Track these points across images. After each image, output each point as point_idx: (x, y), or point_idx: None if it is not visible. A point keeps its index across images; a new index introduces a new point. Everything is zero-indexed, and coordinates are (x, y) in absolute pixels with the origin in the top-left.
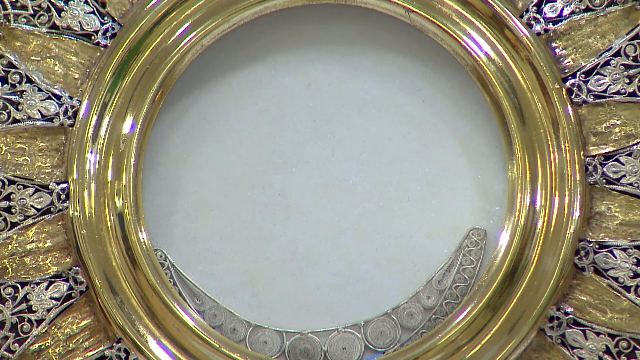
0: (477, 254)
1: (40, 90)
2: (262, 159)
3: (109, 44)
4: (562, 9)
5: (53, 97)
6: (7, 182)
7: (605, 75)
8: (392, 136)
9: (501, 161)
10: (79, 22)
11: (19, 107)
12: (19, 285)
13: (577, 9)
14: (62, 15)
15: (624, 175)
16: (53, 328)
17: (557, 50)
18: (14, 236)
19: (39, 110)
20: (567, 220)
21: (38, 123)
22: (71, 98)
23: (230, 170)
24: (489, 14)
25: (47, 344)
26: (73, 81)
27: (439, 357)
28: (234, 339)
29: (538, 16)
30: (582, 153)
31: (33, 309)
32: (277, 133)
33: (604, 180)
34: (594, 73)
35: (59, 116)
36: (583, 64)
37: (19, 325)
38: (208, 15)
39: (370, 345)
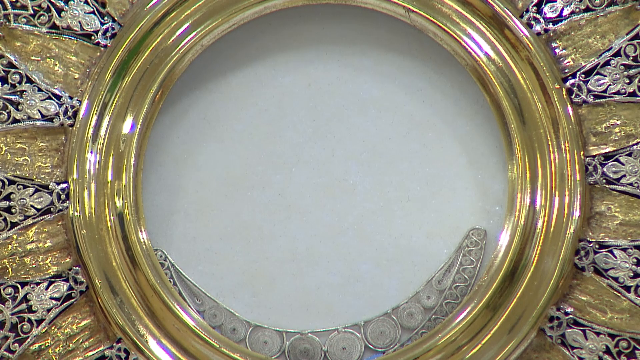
0: (477, 254)
1: (40, 90)
2: (262, 159)
3: (109, 44)
4: (562, 9)
5: (53, 97)
6: (7, 182)
7: (605, 75)
8: (392, 136)
9: (501, 161)
10: (79, 22)
11: (19, 107)
12: (19, 285)
13: (577, 9)
14: (62, 15)
15: (624, 175)
16: (53, 328)
17: (557, 50)
18: (14, 236)
19: (39, 110)
20: (567, 220)
21: (38, 123)
22: (71, 98)
23: (230, 170)
24: (489, 14)
25: (47, 344)
26: (73, 81)
27: (439, 357)
28: (234, 339)
29: (538, 16)
30: (582, 153)
31: (33, 309)
32: (277, 133)
33: (604, 180)
34: (594, 73)
35: (59, 116)
36: (583, 64)
37: (19, 325)
38: (208, 15)
39: (370, 345)
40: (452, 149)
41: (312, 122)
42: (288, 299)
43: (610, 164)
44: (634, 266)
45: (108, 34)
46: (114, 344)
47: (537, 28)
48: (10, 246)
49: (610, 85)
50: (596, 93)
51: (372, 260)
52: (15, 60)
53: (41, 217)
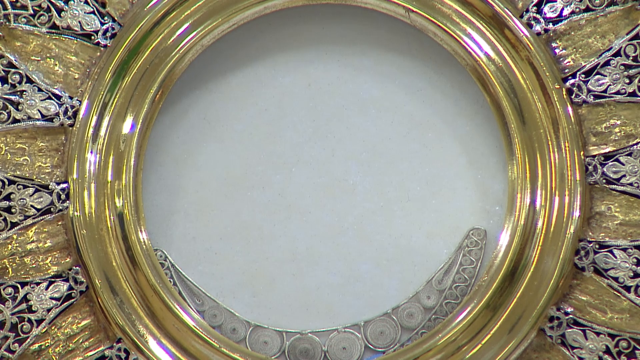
0: (477, 254)
1: (40, 90)
2: (262, 159)
3: (109, 44)
4: (562, 9)
5: (53, 97)
6: (7, 182)
7: (605, 75)
8: (392, 136)
9: (501, 161)
10: (79, 22)
11: (19, 107)
12: (19, 285)
13: (577, 9)
14: (62, 15)
15: (624, 175)
16: (53, 328)
17: (557, 50)
18: (14, 236)
19: (39, 110)
20: (567, 220)
21: (38, 123)
22: (71, 98)
23: (230, 170)
24: (489, 14)
25: (47, 344)
26: (73, 81)
27: (439, 357)
28: (234, 339)
29: (538, 16)
30: (582, 153)
31: (33, 309)
32: (277, 133)
33: (604, 180)
34: (594, 73)
35: (59, 116)
36: (583, 64)
37: (19, 325)
38: (208, 15)
39: (370, 345)
40: (452, 149)
41: (312, 122)
42: (288, 299)
43: (610, 164)
44: (634, 266)
45: (108, 34)
46: (114, 344)
47: (537, 28)
48: (10, 246)
49: (610, 85)
50: (596, 93)
51: (372, 260)
52: (15, 60)
53: (41, 217)
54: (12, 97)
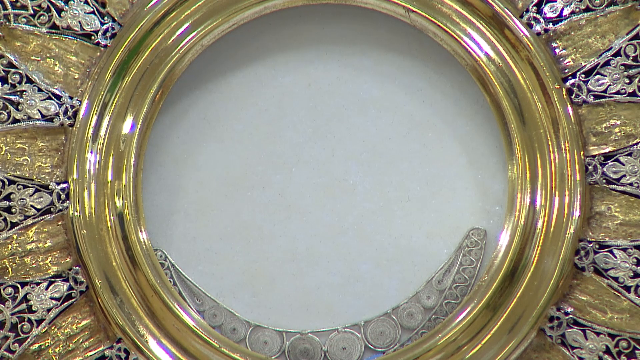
0: (477, 254)
1: (40, 90)
2: (262, 159)
3: (109, 44)
4: (562, 9)
5: (53, 97)
6: (7, 182)
7: (605, 75)
8: (392, 136)
9: (501, 161)
10: (79, 22)
11: (19, 107)
12: (19, 285)
13: (577, 9)
14: (62, 15)
15: (624, 175)
16: (53, 328)
17: (557, 50)
18: (14, 236)
19: (39, 110)
20: (567, 220)
21: (38, 123)
22: (71, 98)
23: (230, 170)
24: (489, 14)
25: (47, 344)
26: (73, 81)
27: (439, 357)
28: (234, 339)
29: (538, 16)
30: (582, 153)
31: (33, 309)
32: (277, 133)
33: (604, 180)
34: (594, 73)
35: (59, 116)
36: (583, 64)
37: (19, 325)
38: (208, 15)
39: (370, 345)
40: (452, 149)
41: (312, 122)
42: (288, 299)
43: (610, 164)
44: (634, 266)
45: (108, 34)
46: (114, 344)
47: (537, 28)
48: (10, 246)
49: (610, 85)
50: (596, 93)
51: (372, 260)
52: (15, 60)
53: (41, 217)
54: (12, 97)
